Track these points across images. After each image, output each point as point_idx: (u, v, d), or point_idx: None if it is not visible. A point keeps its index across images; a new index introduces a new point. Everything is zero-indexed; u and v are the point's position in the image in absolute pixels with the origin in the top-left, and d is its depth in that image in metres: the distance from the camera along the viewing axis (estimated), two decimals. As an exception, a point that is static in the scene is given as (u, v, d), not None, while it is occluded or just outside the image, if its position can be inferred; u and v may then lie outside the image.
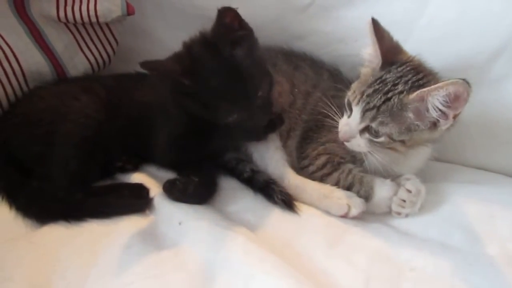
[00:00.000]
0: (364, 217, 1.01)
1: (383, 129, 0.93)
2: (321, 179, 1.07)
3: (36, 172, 1.05)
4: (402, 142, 0.94)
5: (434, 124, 0.92)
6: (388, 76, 0.94)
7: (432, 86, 0.87)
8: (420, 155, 1.05)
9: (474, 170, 1.22)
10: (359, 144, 0.97)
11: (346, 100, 1.00)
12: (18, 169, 1.05)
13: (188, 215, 0.98)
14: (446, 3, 1.12)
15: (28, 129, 1.07)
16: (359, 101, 0.95)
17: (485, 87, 1.11)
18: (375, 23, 0.96)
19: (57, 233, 0.95)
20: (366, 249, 0.92)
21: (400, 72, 0.94)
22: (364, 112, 0.94)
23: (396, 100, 0.91)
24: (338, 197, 1.00)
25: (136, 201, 1.03)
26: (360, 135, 0.96)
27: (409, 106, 0.90)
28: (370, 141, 0.96)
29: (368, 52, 1.01)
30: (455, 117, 0.90)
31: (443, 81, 0.87)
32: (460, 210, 1.02)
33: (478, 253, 0.91)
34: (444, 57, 1.08)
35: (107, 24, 1.31)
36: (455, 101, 0.87)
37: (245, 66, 0.92)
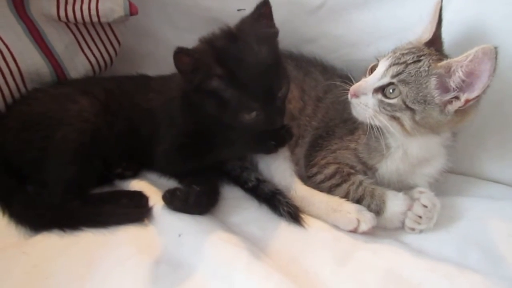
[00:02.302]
0: (374, 232, 0.97)
1: (401, 88, 0.92)
2: (330, 190, 1.03)
3: (32, 178, 1.03)
4: (412, 113, 0.92)
5: (445, 105, 0.91)
6: (426, 49, 0.97)
7: (461, 56, 0.87)
8: (436, 164, 1.03)
9: (491, 184, 1.18)
10: (367, 103, 0.95)
11: (370, 67, 1.00)
12: (14, 174, 1.03)
13: (189, 227, 0.94)
14: (463, 7, 1.08)
15: (24, 133, 1.04)
16: (389, 57, 0.96)
17: (505, 97, 1.07)
18: (441, 5, 0.99)
19: (50, 242, 0.92)
20: (377, 267, 0.88)
21: (437, 53, 0.96)
22: (391, 65, 0.94)
23: (426, 63, 0.92)
24: (347, 210, 0.96)
25: (135, 210, 1.00)
26: (372, 94, 0.95)
27: (435, 73, 0.91)
28: (381, 102, 0.94)
29: (417, 33, 1.03)
30: (467, 102, 0.89)
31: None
32: (477, 227, 0.98)
33: (497, 275, 0.86)
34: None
35: (109, 24, 1.30)
36: (477, 75, 0.86)
37: (271, 64, 0.91)
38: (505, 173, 1.17)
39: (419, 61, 0.93)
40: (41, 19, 1.20)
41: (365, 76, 1.00)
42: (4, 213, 0.97)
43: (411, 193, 1.00)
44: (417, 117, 0.92)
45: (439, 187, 1.03)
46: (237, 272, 0.83)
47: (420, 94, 0.91)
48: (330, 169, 1.04)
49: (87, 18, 1.19)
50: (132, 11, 1.21)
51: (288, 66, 1.17)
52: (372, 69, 0.99)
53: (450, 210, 1.02)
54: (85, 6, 1.18)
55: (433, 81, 0.91)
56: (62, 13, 1.18)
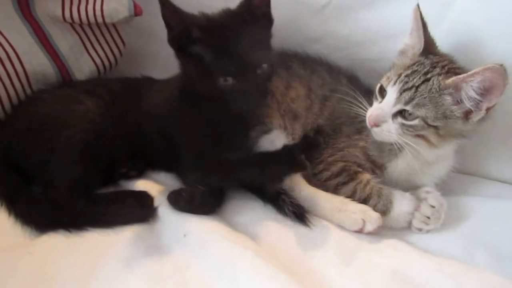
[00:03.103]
0: (380, 231, 0.96)
1: (418, 111, 0.91)
2: (336, 188, 1.03)
3: (37, 178, 1.03)
4: (436, 129, 0.92)
5: (467, 115, 0.91)
6: (426, 60, 0.96)
7: (469, 73, 0.87)
8: (445, 164, 1.02)
9: (498, 184, 1.17)
10: (389, 129, 0.95)
11: (377, 88, 0.99)
12: (19, 174, 1.03)
13: (194, 227, 0.94)
14: (470, 6, 1.07)
15: (30, 134, 1.04)
16: (395, 82, 0.95)
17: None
18: (420, 11, 0.97)
19: (56, 242, 0.91)
20: (382, 268, 0.87)
21: (437, 59, 0.96)
22: (401, 92, 0.93)
23: (435, 81, 0.91)
24: (352, 211, 0.96)
25: (140, 210, 1.00)
26: (392, 120, 0.94)
27: (446, 91, 0.91)
28: (402, 125, 0.93)
29: (406, 42, 1.02)
30: (488, 109, 0.89)
31: (479, 67, 0.86)
32: (484, 227, 0.97)
33: (504, 275, 0.84)
34: (467, 64, 1.03)
35: (114, 25, 1.29)
36: (490, 90, 0.87)
37: (258, 40, 0.94)
38: (512, 173, 1.16)
39: (427, 80, 0.92)
40: (46, 20, 1.20)
41: (376, 99, 1.00)
42: (10, 213, 0.97)
43: (417, 193, 0.99)
44: (441, 132, 0.93)
45: (445, 187, 1.02)
46: (242, 272, 0.82)
47: (439, 112, 0.91)
48: (337, 166, 1.04)
49: (92, 19, 1.19)
50: (137, 11, 1.22)
51: (293, 65, 1.18)
52: (381, 91, 0.98)
53: (457, 209, 1.01)
54: (90, 7, 1.18)
55: (447, 99, 0.91)
56: (67, 14, 1.19)
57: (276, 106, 1.13)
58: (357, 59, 1.22)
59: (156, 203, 1.00)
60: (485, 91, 0.87)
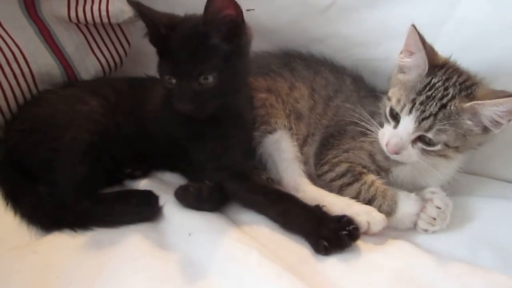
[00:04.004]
0: (385, 232, 0.96)
1: (440, 137, 0.91)
2: (340, 189, 1.02)
3: (43, 178, 1.03)
4: (456, 148, 0.92)
5: (486, 128, 0.91)
6: (435, 80, 0.93)
7: (489, 101, 0.86)
8: (451, 166, 1.02)
9: (504, 184, 1.17)
10: (410, 155, 0.94)
11: (387, 110, 0.97)
12: (25, 174, 1.03)
13: (199, 226, 0.94)
14: (476, 5, 1.07)
15: (35, 135, 1.04)
16: (410, 110, 0.92)
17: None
18: (416, 29, 0.94)
19: (62, 242, 0.92)
20: (387, 269, 0.87)
21: (446, 74, 0.94)
22: (420, 121, 0.91)
23: (452, 107, 0.90)
24: (357, 212, 0.94)
25: (145, 209, 1.00)
26: (412, 145, 0.93)
27: (465, 115, 0.90)
28: (424, 150, 0.93)
29: (406, 59, 0.98)
30: (510, 120, 0.89)
31: (499, 97, 0.85)
32: (490, 228, 0.97)
33: (510, 275, 0.84)
34: (474, 63, 1.02)
35: (119, 25, 1.30)
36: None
37: (205, 49, 0.92)
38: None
39: (443, 106, 0.90)
40: (52, 20, 1.20)
41: (387, 122, 0.98)
42: (15, 213, 0.97)
43: (423, 193, 0.99)
44: (461, 149, 0.93)
45: (451, 187, 1.02)
46: (247, 272, 0.82)
47: (460, 133, 0.90)
48: (342, 167, 1.03)
49: (97, 19, 1.19)
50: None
51: (297, 66, 1.18)
52: (392, 113, 0.97)
53: (463, 210, 1.01)
54: (95, 7, 1.18)
55: (467, 122, 0.90)
56: (72, 14, 1.19)
57: (281, 106, 1.13)
58: (361, 59, 1.22)
59: (161, 202, 1.00)
60: (508, 115, 0.87)
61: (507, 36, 1.04)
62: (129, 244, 0.90)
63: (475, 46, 1.07)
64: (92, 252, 0.89)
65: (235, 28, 0.93)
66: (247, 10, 1.24)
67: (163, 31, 0.93)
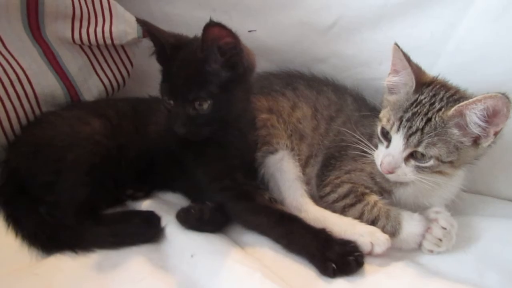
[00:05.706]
0: (389, 253, 0.94)
1: (431, 151, 0.91)
2: (343, 210, 1.01)
3: (44, 199, 1.02)
4: (451, 163, 0.92)
5: (475, 141, 0.91)
6: (422, 97, 0.94)
7: (470, 100, 0.86)
8: (453, 185, 1.01)
9: (508, 203, 1.16)
10: (405, 173, 0.94)
11: (379, 130, 0.98)
12: (27, 195, 1.03)
13: (201, 247, 0.93)
14: (476, 26, 1.08)
15: (37, 157, 1.04)
16: (398, 127, 0.93)
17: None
18: (399, 47, 0.95)
19: (63, 264, 0.91)
20: (393, 290, 0.85)
21: (432, 91, 0.94)
22: (408, 137, 0.91)
23: (437, 118, 0.90)
24: (360, 233, 0.94)
25: (147, 230, 0.99)
26: (405, 163, 0.93)
27: (450, 122, 0.90)
28: (417, 167, 0.93)
29: (392, 80, 0.99)
30: (496, 133, 0.89)
31: (481, 95, 0.85)
32: (495, 247, 0.96)
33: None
34: (474, 83, 1.02)
35: (122, 47, 1.31)
36: (495, 116, 0.86)
37: (203, 76, 0.93)
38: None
39: (429, 120, 0.91)
40: (56, 42, 1.22)
41: (380, 142, 0.99)
42: (16, 234, 0.96)
43: (427, 213, 0.98)
44: (456, 164, 0.93)
45: (455, 207, 1.01)
46: (250, 295, 0.81)
47: (451, 146, 0.90)
48: (344, 188, 1.03)
49: (101, 41, 1.21)
50: (145, 33, 1.22)
51: (299, 86, 1.18)
52: (383, 133, 0.97)
53: (467, 230, 1.00)
54: (99, 29, 1.19)
55: (454, 131, 0.90)
56: (76, 36, 1.20)
57: (282, 126, 1.13)
58: (363, 79, 1.22)
59: (163, 223, 1.00)
60: (490, 118, 0.86)
61: (507, 56, 1.04)
62: (130, 266, 0.90)
63: (474, 66, 1.08)
64: (93, 274, 0.88)
65: (233, 56, 0.93)
66: (249, 31, 1.26)
67: (168, 51, 0.94)
